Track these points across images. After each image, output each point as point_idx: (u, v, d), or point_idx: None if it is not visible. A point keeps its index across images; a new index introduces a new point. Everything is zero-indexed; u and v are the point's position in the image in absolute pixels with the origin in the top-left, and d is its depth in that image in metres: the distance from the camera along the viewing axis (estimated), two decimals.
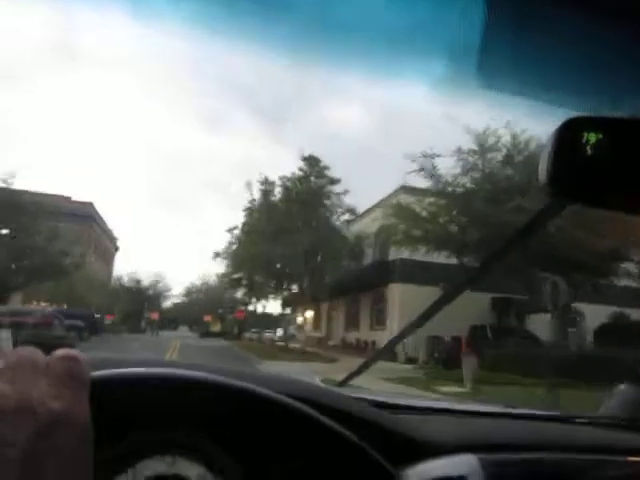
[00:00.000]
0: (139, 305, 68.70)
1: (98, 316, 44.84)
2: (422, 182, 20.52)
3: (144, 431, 0.63)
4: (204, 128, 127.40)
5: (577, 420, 1.25)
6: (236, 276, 39.96)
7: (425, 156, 18.26)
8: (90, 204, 59.24)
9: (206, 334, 60.66)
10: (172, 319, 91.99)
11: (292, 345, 32.46)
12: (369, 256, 29.38)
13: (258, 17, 0.71)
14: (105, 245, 65.38)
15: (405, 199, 22.19)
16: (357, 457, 0.65)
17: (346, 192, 27.73)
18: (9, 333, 13.16)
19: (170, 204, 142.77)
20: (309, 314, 39.36)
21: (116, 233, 71.93)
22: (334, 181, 27.31)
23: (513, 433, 1.04)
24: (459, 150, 18.74)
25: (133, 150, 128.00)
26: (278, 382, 0.82)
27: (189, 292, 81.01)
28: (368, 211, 29.07)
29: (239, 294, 49.51)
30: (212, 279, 69.73)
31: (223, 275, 40.98)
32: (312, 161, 27.05)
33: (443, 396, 10.97)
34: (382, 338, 26.65)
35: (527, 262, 20.50)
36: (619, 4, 0.64)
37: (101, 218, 63.31)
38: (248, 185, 32.83)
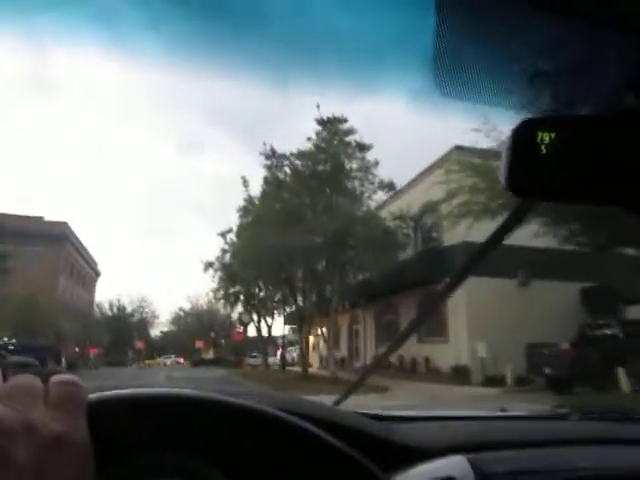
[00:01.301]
0: (124, 335, 60.44)
1: (76, 350, 37.19)
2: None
3: (141, 454, 0.60)
4: (184, 152, 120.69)
5: (570, 417, 1.21)
6: (232, 290, 32.22)
7: None
8: (64, 224, 51.20)
9: (199, 362, 52.43)
10: (161, 348, 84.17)
11: (312, 371, 24.80)
12: (404, 246, 21.60)
13: (233, 37, 0.72)
14: (82, 269, 57.09)
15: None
16: (347, 466, 0.64)
17: (377, 164, 20.29)
18: None
19: (154, 229, 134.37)
20: (323, 330, 31.67)
21: (97, 258, 63.84)
22: (364, 147, 19.82)
23: (504, 433, 1.03)
24: None
25: (112, 176, 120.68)
26: (273, 399, 0.81)
27: (177, 318, 72.40)
28: (411, 184, 21.57)
29: (235, 314, 41.86)
30: (202, 301, 61.92)
31: (216, 290, 33.14)
32: (333, 123, 19.58)
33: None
34: (442, 353, 19.10)
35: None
36: (568, 4, 0.64)
37: (78, 239, 55.10)
38: (244, 181, 25.70)
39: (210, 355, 59.19)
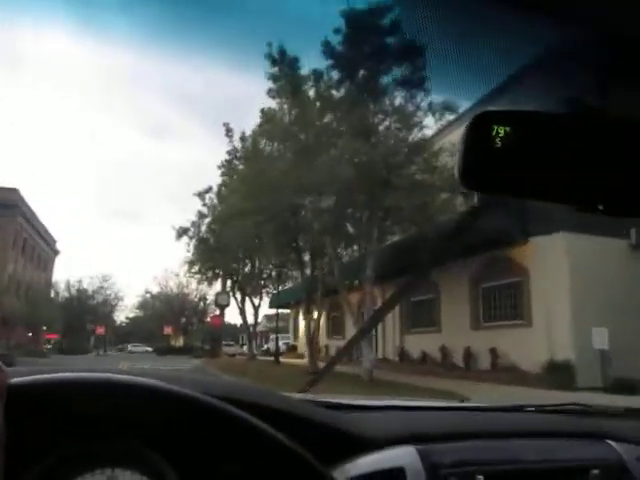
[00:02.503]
0: (83, 319, 53.17)
1: (29, 335, 30.46)
2: None
3: (76, 440, 0.58)
4: (150, 134, 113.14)
5: (526, 409, 1.19)
6: (210, 264, 25.75)
7: None
8: (14, 191, 43.56)
9: (166, 350, 45.68)
10: (127, 335, 77.04)
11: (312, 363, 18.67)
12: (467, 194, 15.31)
13: (198, 24, 0.72)
14: (38, 245, 49.52)
15: None
16: (286, 457, 0.64)
17: (424, 80, 14.09)
18: None
19: (118, 211, 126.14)
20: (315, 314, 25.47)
21: (55, 236, 56.00)
22: (411, 51, 13.58)
23: (458, 424, 1.00)
24: None
25: (75, 154, 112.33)
26: (217, 386, 0.80)
27: (145, 302, 65.06)
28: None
29: (210, 295, 35.34)
30: (172, 283, 55.09)
31: (190, 263, 26.55)
32: (370, 16, 13.30)
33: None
34: (521, 342, 13.11)
35: None
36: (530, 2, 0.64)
37: (32, 212, 47.45)
38: (227, 130, 19.51)
39: (180, 343, 52.51)
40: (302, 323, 29.60)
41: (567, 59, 0.69)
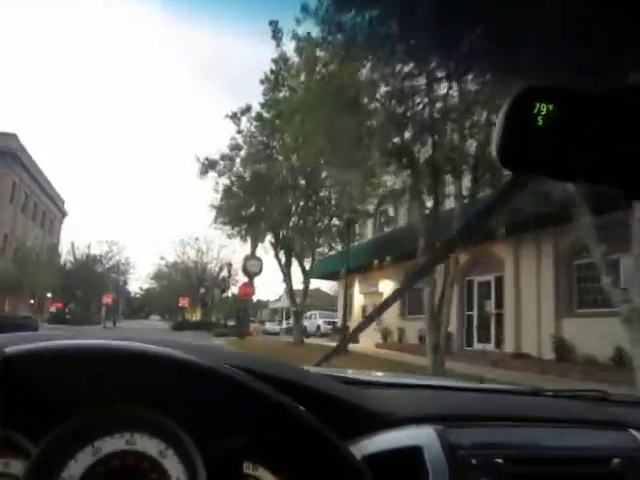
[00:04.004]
0: (89, 286, 46.87)
1: (31, 302, 24.52)
2: None
3: (96, 405, 0.60)
4: (171, 92, 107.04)
5: (545, 394, 1.16)
6: (245, 211, 18.73)
7: None
8: (13, 137, 36.73)
9: (181, 325, 39.18)
10: (141, 306, 71.56)
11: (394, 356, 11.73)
12: None
13: None
14: (42, 204, 42.90)
15: None
16: (303, 430, 0.64)
17: None
18: None
19: (133, 180, 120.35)
20: (387, 285, 18.49)
21: (64, 196, 49.33)
22: None
23: (475, 406, 0.98)
24: None
25: (89, 108, 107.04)
26: (236, 357, 0.80)
27: (160, 272, 58.55)
28: None
29: (238, 256, 28.44)
30: (190, 251, 48.52)
31: (219, 209, 19.50)
32: None
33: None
34: None
35: None
36: None
37: (35, 165, 40.67)
38: (275, 29, 13.23)
39: (197, 317, 46.03)
40: (359, 297, 22.84)
41: (616, 36, 0.62)
